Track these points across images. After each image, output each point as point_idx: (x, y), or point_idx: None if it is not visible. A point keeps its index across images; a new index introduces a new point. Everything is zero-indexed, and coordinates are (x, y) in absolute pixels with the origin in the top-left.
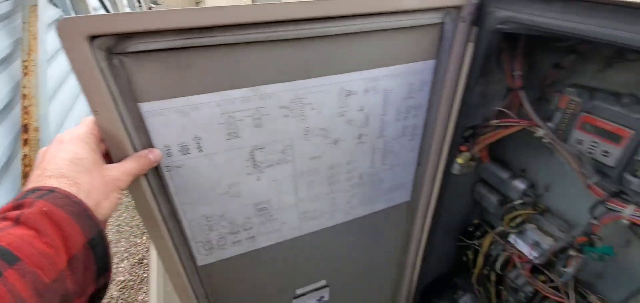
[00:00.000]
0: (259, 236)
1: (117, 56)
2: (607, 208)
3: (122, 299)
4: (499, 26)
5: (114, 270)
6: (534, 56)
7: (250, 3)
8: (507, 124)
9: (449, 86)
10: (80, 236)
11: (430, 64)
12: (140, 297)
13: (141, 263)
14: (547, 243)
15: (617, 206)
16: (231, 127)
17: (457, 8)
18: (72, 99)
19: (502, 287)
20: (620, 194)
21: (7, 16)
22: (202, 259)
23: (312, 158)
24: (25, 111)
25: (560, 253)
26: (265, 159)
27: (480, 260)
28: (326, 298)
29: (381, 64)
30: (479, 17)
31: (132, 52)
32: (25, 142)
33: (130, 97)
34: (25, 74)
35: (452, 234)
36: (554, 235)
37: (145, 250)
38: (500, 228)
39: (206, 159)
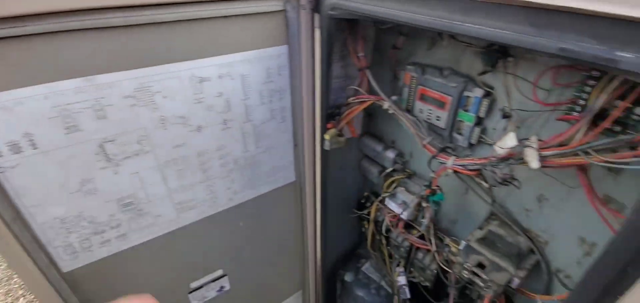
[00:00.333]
0: (132, 234)
1: None
2: (438, 162)
3: None
4: (331, 12)
5: None
6: (379, 39)
7: None
8: (361, 100)
9: (307, 69)
10: None
11: (283, 49)
12: None
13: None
14: (411, 201)
15: (443, 159)
16: (68, 120)
17: None
18: None
19: (389, 247)
20: (446, 149)
21: None
22: (66, 265)
23: (175, 147)
24: None
25: (419, 207)
26: (120, 151)
27: (370, 227)
28: (227, 287)
29: (232, 50)
30: (317, 4)
31: None
32: None
33: None
34: None
35: (349, 210)
36: (417, 194)
37: None
38: (381, 196)
39: (44, 157)
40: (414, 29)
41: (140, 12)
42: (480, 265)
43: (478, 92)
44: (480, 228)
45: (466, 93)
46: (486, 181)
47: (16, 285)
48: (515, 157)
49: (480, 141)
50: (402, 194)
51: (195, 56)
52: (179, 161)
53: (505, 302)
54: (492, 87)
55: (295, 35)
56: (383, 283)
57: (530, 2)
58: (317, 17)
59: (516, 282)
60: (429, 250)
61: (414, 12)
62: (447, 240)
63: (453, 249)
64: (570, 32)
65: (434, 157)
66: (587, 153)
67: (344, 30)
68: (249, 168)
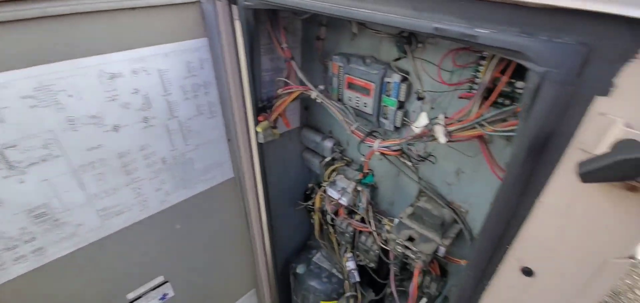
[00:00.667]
0: (50, 247)
1: None
2: (367, 146)
3: None
4: (246, 3)
5: None
6: (306, 30)
7: None
8: (289, 91)
9: (231, 62)
10: None
11: (202, 42)
12: None
13: None
14: (349, 186)
15: (370, 143)
16: None
17: None
18: None
19: (335, 234)
20: (372, 133)
21: None
22: None
23: (90, 149)
24: None
25: (357, 192)
26: (24, 157)
27: (316, 217)
28: (171, 294)
29: (144, 44)
30: None
31: None
32: None
33: None
34: None
35: (295, 203)
36: (353, 179)
37: None
38: (323, 185)
39: None
40: (333, 20)
41: (29, 5)
42: (411, 239)
43: (396, 77)
44: (411, 205)
45: (386, 79)
46: (410, 160)
47: None
48: (428, 135)
49: (403, 124)
50: (341, 181)
51: (102, 50)
52: (96, 165)
53: (439, 272)
54: (407, 73)
55: (214, 28)
56: (334, 270)
57: None
58: (234, 8)
59: (442, 250)
60: (370, 232)
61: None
62: (385, 221)
63: (387, 227)
64: (442, 13)
65: (361, 141)
66: (481, 125)
67: (265, 22)
68: (180, 167)
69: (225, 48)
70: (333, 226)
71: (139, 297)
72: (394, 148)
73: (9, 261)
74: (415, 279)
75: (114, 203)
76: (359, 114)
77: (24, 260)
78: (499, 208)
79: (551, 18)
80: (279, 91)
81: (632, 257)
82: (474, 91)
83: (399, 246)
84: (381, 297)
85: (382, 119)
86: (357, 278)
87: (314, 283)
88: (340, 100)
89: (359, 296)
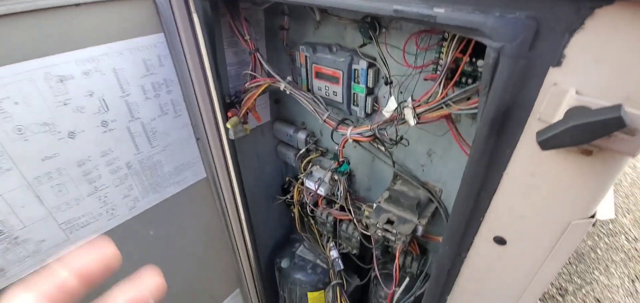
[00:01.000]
0: (11, 267)
1: None
2: (340, 134)
3: None
4: None
5: None
6: (269, 21)
7: None
8: (257, 84)
9: (192, 57)
10: None
11: (158, 37)
12: None
13: None
14: (326, 176)
15: (343, 131)
16: None
17: None
18: None
19: (317, 226)
20: (344, 121)
21: None
22: None
23: (45, 159)
24: None
25: (334, 181)
26: None
27: (296, 209)
28: None
29: (94, 43)
30: None
31: None
32: None
33: None
34: None
35: (274, 198)
36: (330, 168)
37: None
38: (300, 177)
39: None
40: (296, 9)
41: None
42: (389, 221)
43: (363, 64)
44: (388, 189)
45: (354, 66)
46: (383, 145)
47: None
48: (398, 118)
49: (374, 110)
50: (317, 171)
51: (47, 52)
52: (53, 175)
53: (419, 251)
54: (373, 58)
55: (170, 22)
56: (318, 261)
57: None
58: (190, 0)
59: (420, 229)
60: (350, 220)
61: None
62: (364, 207)
63: (366, 213)
64: None
65: (334, 130)
66: (447, 105)
67: (225, 14)
68: (147, 171)
69: (184, 43)
70: (313, 217)
71: None
72: (367, 134)
73: None
74: (397, 260)
75: (78, 215)
76: (329, 103)
77: None
78: (468, 183)
79: None
80: (247, 85)
81: (593, 217)
82: (438, 73)
83: (379, 230)
84: (366, 282)
85: (353, 107)
86: (341, 266)
87: (299, 275)
88: (309, 90)
89: (345, 283)
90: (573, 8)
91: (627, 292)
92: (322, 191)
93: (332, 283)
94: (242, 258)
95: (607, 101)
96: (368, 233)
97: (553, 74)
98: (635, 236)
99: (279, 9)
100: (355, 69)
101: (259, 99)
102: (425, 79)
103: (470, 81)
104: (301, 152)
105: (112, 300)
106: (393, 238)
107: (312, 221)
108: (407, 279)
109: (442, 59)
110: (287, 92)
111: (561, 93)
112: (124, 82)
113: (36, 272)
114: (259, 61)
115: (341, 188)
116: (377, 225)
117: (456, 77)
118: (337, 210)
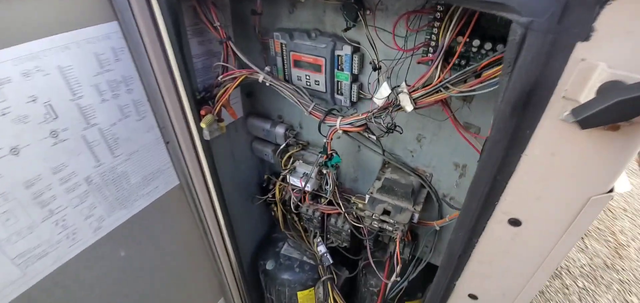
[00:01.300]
0: None
1: None
2: (327, 125)
3: None
4: None
5: None
6: (236, 6)
7: None
8: (232, 76)
9: (154, 49)
10: None
11: (111, 27)
12: None
13: None
14: (312, 171)
15: (331, 122)
16: None
17: None
18: None
19: (302, 222)
20: (331, 111)
21: None
22: None
23: None
24: None
25: (321, 175)
26: None
27: (279, 208)
28: None
29: (32, 36)
30: None
31: None
32: None
33: None
34: None
35: (252, 198)
36: (314, 162)
37: None
38: (281, 174)
39: None
40: None
41: None
42: (386, 212)
43: (347, 49)
44: (378, 178)
45: (337, 52)
46: (374, 134)
47: None
48: (392, 105)
49: (360, 98)
50: (301, 167)
51: None
52: None
53: (411, 238)
54: (358, 43)
55: (125, 8)
56: (305, 258)
57: None
58: None
59: (416, 216)
60: (339, 213)
61: None
62: (353, 199)
63: (360, 205)
64: None
65: (322, 122)
66: (446, 88)
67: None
68: (111, 185)
69: (143, 32)
70: (298, 214)
71: None
72: (358, 123)
73: None
74: (397, 249)
75: (32, 245)
76: (311, 93)
77: None
78: (485, 167)
79: None
80: (220, 78)
81: (612, 191)
82: (431, 55)
83: (375, 222)
84: (356, 273)
85: (337, 96)
86: (331, 261)
87: (286, 275)
88: (287, 81)
89: (335, 277)
90: None
91: None
92: (309, 187)
93: (323, 279)
94: (224, 265)
95: None
96: (359, 226)
97: (580, 50)
98: None
99: None
100: (338, 55)
101: (232, 93)
102: (419, 63)
103: (463, 62)
104: (281, 147)
105: None
106: (391, 228)
107: (296, 219)
108: (399, 266)
109: (433, 40)
110: (267, 84)
111: (589, 69)
112: (73, 82)
113: None
114: (232, 50)
115: (330, 182)
116: (373, 217)
117: (454, 59)
118: (325, 204)
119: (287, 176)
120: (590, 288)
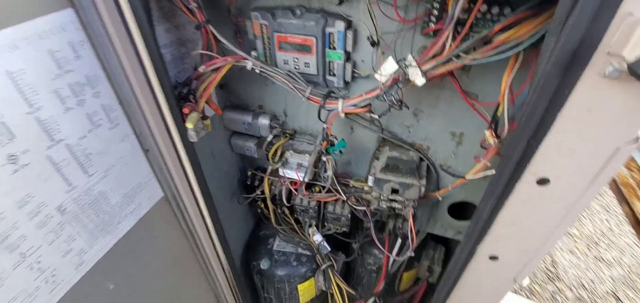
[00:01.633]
0: None
1: None
2: (327, 110)
3: None
4: None
5: None
6: None
7: None
8: (215, 66)
9: (121, 40)
10: None
11: (66, 15)
12: None
13: None
14: (306, 160)
15: (332, 105)
16: None
17: None
18: None
19: (296, 215)
20: (330, 95)
21: None
22: None
23: None
24: None
25: (318, 163)
26: None
27: (270, 204)
28: None
29: None
30: None
31: None
32: None
33: None
34: None
35: (235, 199)
36: (308, 151)
37: None
38: (270, 168)
39: None
40: None
41: None
42: (394, 191)
43: (340, 25)
44: (377, 158)
45: (328, 29)
46: (374, 113)
47: None
48: (400, 80)
49: (354, 77)
50: (293, 157)
51: None
52: None
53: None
54: (350, 17)
55: None
56: (300, 250)
57: None
58: None
59: (423, 190)
60: (337, 200)
61: None
62: (352, 182)
63: (365, 188)
64: None
65: (321, 107)
66: (458, 57)
67: None
68: (89, 210)
69: (107, 20)
70: (290, 207)
71: None
72: (363, 104)
73: None
74: (411, 223)
75: (7, 299)
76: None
77: None
78: (521, 133)
79: None
80: (201, 69)
81: (638, 139)
82: (433, 25)
83: (383, 202)
84: (354, 256)
85: (329, 77)
86: (328, 248)
87: (284, 271)
88: (274, 66)
89: (334, 263)
90: None
91: None
92: (307, 178)
93: (323, 267)
94: (218, 274)
95: None
96: (361, 208)
97: (628, 4)
98: None
99: None
100: (330, 33)
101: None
102: (424, 34)
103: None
104: (269, 140)
105: None
106: (400, 206)
107: (287, 212)
108: (399, 240)
109: (437, 9)
110: (257, 70)
111: (636, 23)
112: (28, 90)
113: None
114: (213, 35)
115: (329, 169)
116: (382, 197)
117: (467, 27)
118: (324, 193)
119: (280, 170)
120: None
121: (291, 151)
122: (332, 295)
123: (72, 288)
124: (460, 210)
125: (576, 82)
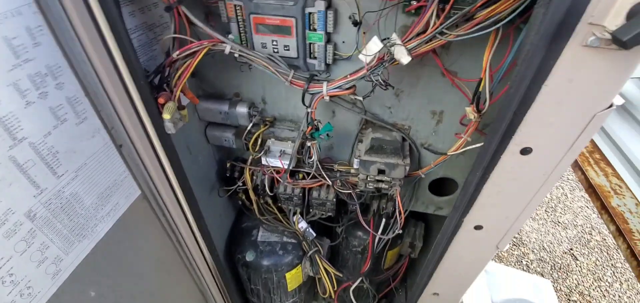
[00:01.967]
0: None
1: None
2: (310, 94)
3: None
4: None
5: None
6: None
7: None
8: (190, 51)
9: (84, 24)
10: None
11: None
12: None
13: None
14: (289, 147)
15: (317, 89)
16: None
17: None
18: None
19: (280, 203)
20: (313, 78)
21: None
22: None
23: None
24: None
25: (301, 149)
26: None
27: (252, 195)
28: None
29: None
30: None
31: None
32: None
33: None
34: None
35: (214, 192)
36: (290, 137)
37: None
38: (250, 158)
39: None
40: None
41: None
42: (380, 171)
43: (320, 5)
44: (361, 140)
45: (308, 10)
46: (357, 95)
47: None
48: (386, 59)
49: (335, 59)
50: (275, 145)
51: None
52: None
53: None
54: None
55: None
56: (285, 238)
57: None
58: None
59: (407, 169)
60: (321, 185)
61: None
62: (336, 167)
63: (352, 171)
64: None
65: (305, 91)
66: (442, 33)
67: None
68: (61, 214)
69: (67, 1)
70: (273, 196)
71: None
72: (347, 85)
73: None
74: (399, 201)
75: None
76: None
77: None
78: (508, 104)
79: None
80: (175, 55)
81: (611, 105)
82: (415, 2)
83: (370, 183)
84: (338, 240)
85: (309, 60)
86: (314, 234)
87: (271, 261)
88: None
89: (320, 249)
90: None
91: None
92: (291, 166)
93: (309, 254)
94: (203, 272)
95: None
96: (347, 191)
97: None
98: None
99: None
100: (310, 13)
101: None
102: (407, 11)
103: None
104: (249, 128)
105: None
106: (387, 186)
107: (270, 201)
108: (384, 220)
109: None
110: (236, 55)
111: None
112: None
113: None
114: (186, 17)
115: (314, 154)
116: (369, 178)
117: (451, 4)
118: (307, 179)
119: (262, 158)
120: None
121: (273, 139)
122: (319, 279)
123: (51, 300)
124: (438, 187)
125: (560, 53)
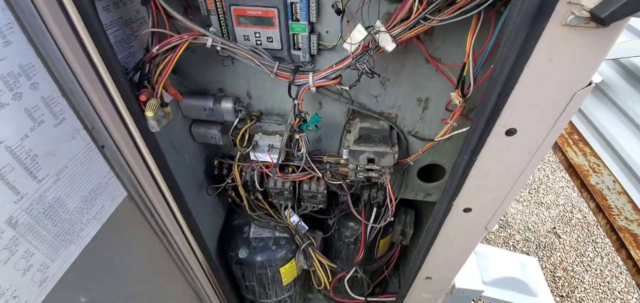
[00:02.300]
0: None
1: None
2: (296, 85)
3: None
4: None
5: None
6: None
7: None
8: (170, 45)
9: (56, 19)
10: None
11: None
12: None
13: None
14: (277, 141)
15: (303, 80)
16: None
17: None
18: None
19: (271, 198)
20: (298, 69)
21: None
22: None
23: None
24: None
25: (289, 142)
26: None
27: (241, 192)
28: None
29: None
30: None
31: None
32: None
33: None
34: None
35: (202, 190)
36: (278, 131)
37: None
38: (238, 153)
39: None
40: None
41: None
42: (370, 160)
43: None
44: (349, 131)
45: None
46: (344, 85)
47: None
48: (370, 47)
49: (320, 49)
50: (263, 140)
51: None
52: None
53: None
54: None
55: None
56: (277, 233)
57: None
58: None
59: (396, 157)
60: (312, 178)
61: None
62: (325, 158)
63: (341, 161)
64: None
65: (291, 83)
66: (426, 19)
67: None
68: (45, 220)
69: None
70: (263, 192)
71: None
72: (333, 75)
73: None
74: (390, 189)
75: None
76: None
77: None
78: (493, 86)
79: None
80: (155, 50)
81: (590, 83)
82: None
83: (360, 173)
84: (331, 232)
85: (294, 52)
86: (306, 227)
87: (264, 257)
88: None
89: (313, 241)
90: None
91: None
92: (280, 160)
93: (303, 247)
94: (196, 271)
95: None
96: (338, 183)
97: None
98: None
99: None
100: (292, 3)
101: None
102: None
103: None
104: (235, 124)
105: None
106: (377, 175)
107: (260, 197)
108: (375, 209)
109: None
110: (218, 48)
111: None
112: None
113: None
114: (164, 10)
115: (303, 147)
116: (359, 168)
117: None
118: (299, 173)
119: (250, 154)
120: None
121: (260, 134)
122: (314, 272)
123: None
124: (427, 173)
125: (541, 33)
